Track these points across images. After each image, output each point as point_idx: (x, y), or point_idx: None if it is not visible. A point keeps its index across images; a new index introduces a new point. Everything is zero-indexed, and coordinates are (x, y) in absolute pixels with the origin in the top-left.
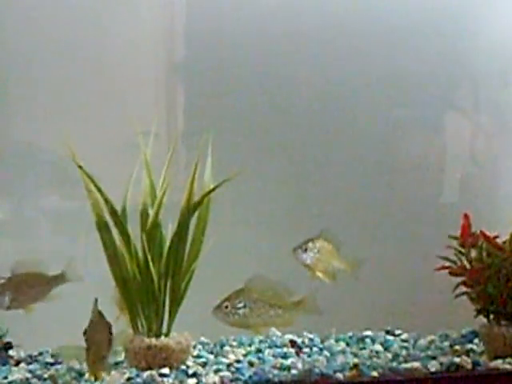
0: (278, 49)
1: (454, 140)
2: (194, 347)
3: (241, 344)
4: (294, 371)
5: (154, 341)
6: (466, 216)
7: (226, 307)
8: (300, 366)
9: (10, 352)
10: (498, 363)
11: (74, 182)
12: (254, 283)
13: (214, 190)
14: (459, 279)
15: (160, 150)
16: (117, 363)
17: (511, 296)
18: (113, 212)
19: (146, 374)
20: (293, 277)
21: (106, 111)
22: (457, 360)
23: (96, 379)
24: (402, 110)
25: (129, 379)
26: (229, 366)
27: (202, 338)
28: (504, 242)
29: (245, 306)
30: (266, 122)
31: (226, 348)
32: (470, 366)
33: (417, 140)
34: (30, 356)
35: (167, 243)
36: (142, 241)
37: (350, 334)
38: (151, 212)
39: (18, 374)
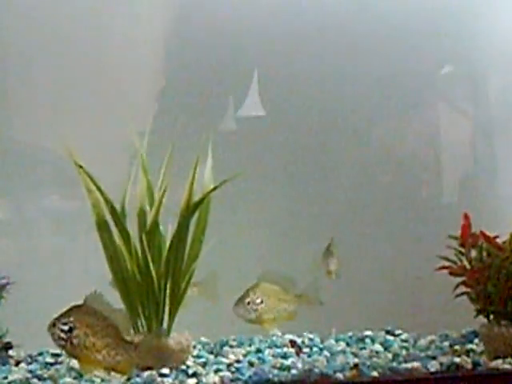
0: (278, 49)
1: (454, 140)
2: (194, 347)
3: (241, 344)
4: (294, 371)
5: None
6: (466, 216)
7: (248, 303)
8: (300, 365)
9: (10, 352)
10: (498, 363)
11: (74, 182)
12: (265, 278)
13: (214, 190)
14: (459, 279)
15: (160, 150)
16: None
17: (511, 296)
18: (113, 212)
19: (146, 373)
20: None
21: (106, 111)
22: (457, 360)
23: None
24: (401, 110)
25: (129, 379)
26: (229, 366)
27: (202, 338)
28: (504, 242)
29: (262, 302)
30: (266, 122)
31: (226, 348)
32: (469, 366)
33: (417, 140)
34: (30, 356)
35: (167, 243)
36: (141, 241)
37: (350, 334)
38: (149, 212)
39: (17, 374)
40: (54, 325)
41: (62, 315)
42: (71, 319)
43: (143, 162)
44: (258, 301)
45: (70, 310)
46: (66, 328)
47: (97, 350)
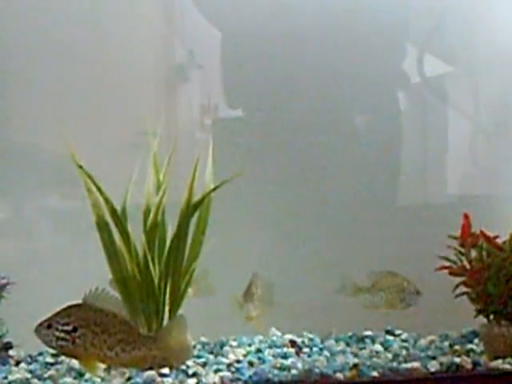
0: (278, 49)
1: (454, 140)
2: (194, 347)
3: (241, 344)
4: (294, 371)
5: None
6: (466, 216)
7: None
8: (300, 366)
9: (10, 352)
10: (498, 363)
11: (74, 182)
12: (256, 280)
13: (214, 190)
14: (459, 279)
15: (160, 150)
16: None
17: (511, 296)
18: (113, 212)
19: (146, 374)
20: (292, 277)
21: (106, 111)
22: (457, 360)
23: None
24: (402, 110)
25: (129, 379)
26: (229, 366)
27: (202, 338)
28: (504, 242)
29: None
30: (266, 123)
31: (226, 348)
32: (469, 366)
33: (417, 140)
34: (30, 356)
35: (167, 243)
36: (142, 241)
37: (350, 334)
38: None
39: (18, 373)
40: (49, 326)
41: (57, 316)
42: (72, 319)
43: (155, 161)
44: (255, 299)
45: (67, 309)
46: (68, 328)
47: (108, 347)
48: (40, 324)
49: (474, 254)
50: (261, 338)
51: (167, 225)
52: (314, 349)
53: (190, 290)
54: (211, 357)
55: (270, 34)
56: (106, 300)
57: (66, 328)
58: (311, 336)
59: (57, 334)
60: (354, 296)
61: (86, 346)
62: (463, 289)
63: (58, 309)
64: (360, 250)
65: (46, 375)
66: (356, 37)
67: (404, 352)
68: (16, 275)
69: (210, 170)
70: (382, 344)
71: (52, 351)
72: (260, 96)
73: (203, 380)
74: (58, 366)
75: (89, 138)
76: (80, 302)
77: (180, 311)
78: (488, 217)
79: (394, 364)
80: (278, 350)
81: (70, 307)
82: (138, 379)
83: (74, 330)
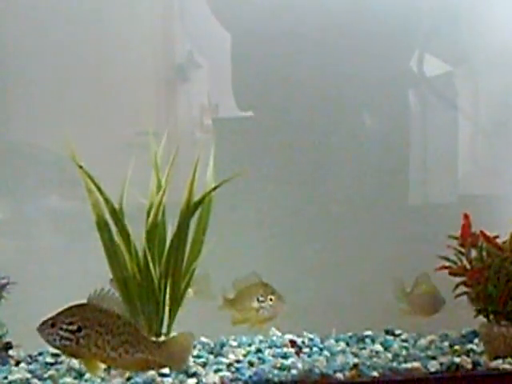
0: (279, 49)
1: (454, 140)
2: (194, 347)
3: (241, 344)
4: (294, 371)
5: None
6: (466, 216)
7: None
8: (300, 366)
9: (10, 352)
10: (498, 363)
11: (75, 182)
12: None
13: (214, 189)
14: (459, 279)
15: (160, 150)
16: None
17: (511, 296)
18: (113, 212)
19: (146, 373)
20: (292, 277)
21: (106, 111)
22: (457, 360)
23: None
24: (401, 110)
25: (129, 379)
26: (229, 366)
27: (202, 338)
28: (504, 242)
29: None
30: (266, 123)
31: (226, 348)
32: (470, 366)
33: (417, 140)
34: (30, 356)
35: (167, 243)
36: (142, 241)
37: (350, 334)
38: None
39: (18, 373)
40: (53, 325)
41: (61, 315)
42: (76, 319)
43: (156, 161)
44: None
45: (71, 309)
46: (72, 328)
47: (112, 348)
48: (43, 323)
49: (474, 253)
50: (261, 337)
51: (167, 225)
52: (314, 349)
53: (190, 290)
54: (211, 357)
55: (272, 34)
56: (110, 301)
57: (70, 328)
58: (311, 336)
59: (61, 333)
60: (402, 301)
61: (89, 346)
62: (463, 289)
63: (59, 309)
64: (360, 250)
65: (46, 375)
66: (357, 37)
67: (404, 352)
68: (16, 275)
69: (211, 170)
70: (382, 344)
71: (52, 351)
72: (261, 96)
73: (203, 380)
74: (58, 366)
75: (89, 137)
76: (84, 301)
77: (180, 311)
78: (488, 217)
79: (394, 364)
80: (278, 350)
81: (74, 307)
82: (138, 379)
83: (79, 329)
